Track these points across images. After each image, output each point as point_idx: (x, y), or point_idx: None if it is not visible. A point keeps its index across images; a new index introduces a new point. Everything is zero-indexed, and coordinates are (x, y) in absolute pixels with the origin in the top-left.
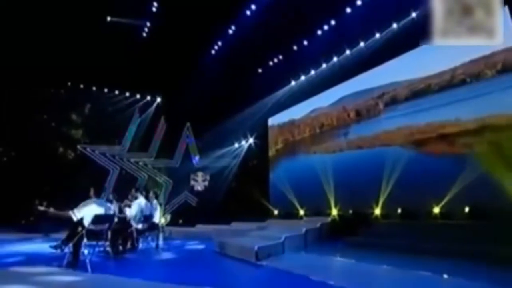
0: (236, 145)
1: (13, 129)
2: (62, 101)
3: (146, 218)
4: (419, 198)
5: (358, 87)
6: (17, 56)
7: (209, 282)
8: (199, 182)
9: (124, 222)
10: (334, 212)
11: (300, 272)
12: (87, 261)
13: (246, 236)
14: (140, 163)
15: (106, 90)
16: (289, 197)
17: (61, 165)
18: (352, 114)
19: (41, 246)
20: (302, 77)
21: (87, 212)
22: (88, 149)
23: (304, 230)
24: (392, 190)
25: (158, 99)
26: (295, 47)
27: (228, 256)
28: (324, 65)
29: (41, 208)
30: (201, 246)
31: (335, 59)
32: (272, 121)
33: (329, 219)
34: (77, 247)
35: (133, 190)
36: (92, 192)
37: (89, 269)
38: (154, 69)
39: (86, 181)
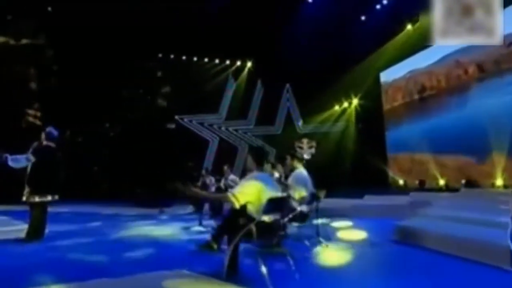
0: (342, 106)
1: (114, 105)
2: (154, 73)
3: (313, 196)
4: None
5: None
6: (108, 34)
7: None
8: (305, 150)
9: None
10: (499, 182)
11: None
12: (263, 270)
13: (417, 216)
14: (240, 131)
15: (195, 58)
16: (426, 164)
17: (161, 138)
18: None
19: (166, 228)
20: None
21: (252, 194)
22: (185, 119)
23: None
24: None
25: (249, 64)
26: None
27: (431, 250)
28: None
29: (181, 187)
30: (361, 231)
31: None
32: (385, 76)
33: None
34: (237, 248)
35: (289, 158)
36: (250, 160)
37: (270, 285)
38: (243, 30)
39: (186, 153)
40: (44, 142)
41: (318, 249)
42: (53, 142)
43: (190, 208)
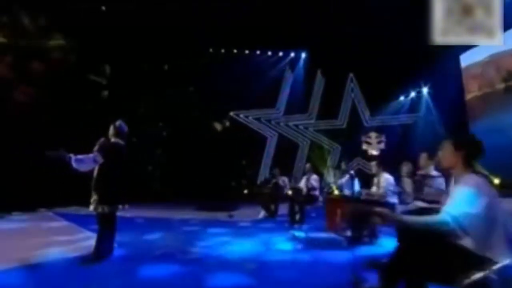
0: (414, 95)
1: (165, 104)
2: (205, 69)
3: None
4: None
5: None
6: (159, 32)
7: None
8: (373, 145)
9: None
10: None
11: None
12: None
13: None
14: (300, 127)
15: (247, 51)
16: None
17: (216, 137)
18: None
19: (253, 242)
20: None
21: (482, 216)
22: (241, 115)
23: None
24: None
25: (303, 54)
26: None
27: None
28: None
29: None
30: None
31: None
32: (467, 59)
33: None
34: None
35: (424, 156)
36: (451, 155)
37: None
38: (296, 17)
39: (239, 151)
40: (113, 139)
41: None
42: (123, 139)
43: (262, 213)
